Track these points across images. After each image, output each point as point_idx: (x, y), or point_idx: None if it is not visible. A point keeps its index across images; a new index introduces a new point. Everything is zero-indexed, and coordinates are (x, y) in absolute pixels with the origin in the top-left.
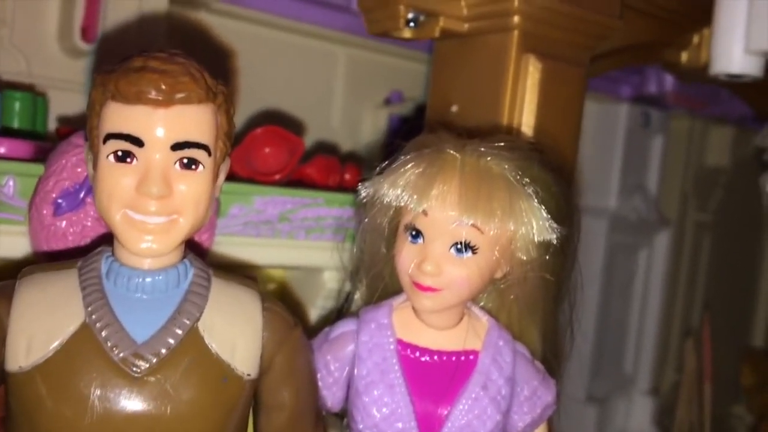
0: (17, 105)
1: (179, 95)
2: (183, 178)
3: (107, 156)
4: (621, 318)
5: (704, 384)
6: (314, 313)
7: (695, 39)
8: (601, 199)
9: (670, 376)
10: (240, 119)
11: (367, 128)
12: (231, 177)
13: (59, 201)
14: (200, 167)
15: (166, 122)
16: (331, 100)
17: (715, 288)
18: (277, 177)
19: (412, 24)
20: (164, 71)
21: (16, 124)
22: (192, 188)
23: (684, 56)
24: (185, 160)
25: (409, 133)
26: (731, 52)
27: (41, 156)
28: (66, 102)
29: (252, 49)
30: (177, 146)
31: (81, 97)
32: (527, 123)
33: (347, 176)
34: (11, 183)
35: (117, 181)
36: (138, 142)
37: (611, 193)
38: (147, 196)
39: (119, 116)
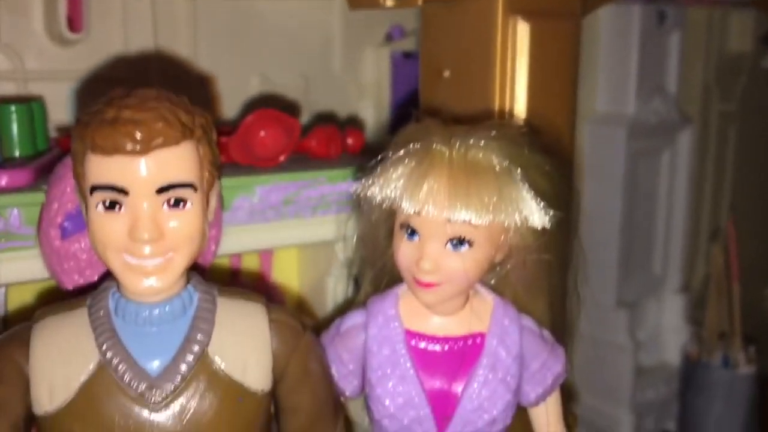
0: (14, 117)
1: (156, 141)
2: (173, 218)
3: (96, 206)
4: (647, 222)
5: (732, 285)
6: (331, 282)
7: None
8: (619, 105)
9: (700, 272)
10: (238, 79)
11: (370, 70)
12: (232, 167)
13: (65, 224)
14: (188, 204)
15: (147, 169)
16: (330, 44)
17: (743, 182)
18: (280, 159)
19: None
20: (137, 121)
21: (15, 141)
22: (183, 226)
23: None
24: (172, 201)
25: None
26: None
27: (44, 175)
28: (62, 93)
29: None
30: (162, 190)
31: (76, 87)
32: (520, 85)
33: (349, 141)
34: (16, 213)
35: (109, 230)
36: (123, 191)
37: (629, 99)
38: (139, 242)
39: (100, 168)
